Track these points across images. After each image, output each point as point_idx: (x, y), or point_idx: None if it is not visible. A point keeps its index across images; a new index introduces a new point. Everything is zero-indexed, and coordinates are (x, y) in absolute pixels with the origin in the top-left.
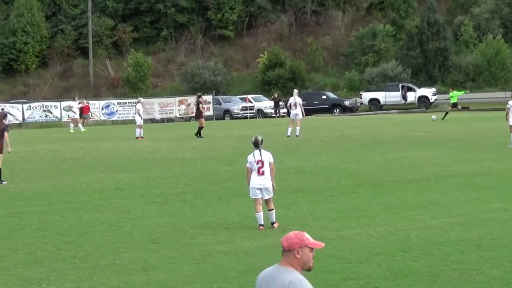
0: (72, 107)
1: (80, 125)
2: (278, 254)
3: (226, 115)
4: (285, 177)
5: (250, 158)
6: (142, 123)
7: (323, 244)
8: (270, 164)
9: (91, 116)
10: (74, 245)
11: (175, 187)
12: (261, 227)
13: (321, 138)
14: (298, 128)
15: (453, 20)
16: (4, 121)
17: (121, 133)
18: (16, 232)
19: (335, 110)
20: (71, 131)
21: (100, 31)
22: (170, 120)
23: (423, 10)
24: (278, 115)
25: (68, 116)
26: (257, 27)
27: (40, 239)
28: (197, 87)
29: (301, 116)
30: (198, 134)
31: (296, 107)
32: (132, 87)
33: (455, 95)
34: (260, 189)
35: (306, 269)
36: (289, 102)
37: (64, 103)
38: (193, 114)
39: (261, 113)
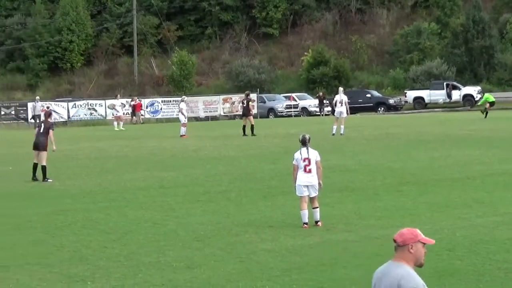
0: (115, 105)
1: (120, 123)
2: (323, 252)
3: (270, 113)
4: (330, 175)
5: (297, 155)
6: (185, 121)
7: (434, 241)
8: (316, 162)
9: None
10: (118, 243)
11: (219, 185)
12: (305, 225)
13: (366, 137)
14: (342, 126)
15: (498, 18)
16: (49, 119)
17: (165, 131)
18: (61, 230)
19: (379, 109)
20: (116, 129)
21: (145, 30)
22: (214, 118)
23: (468, 8)
24: (322, 113)
25: (112, 115)
26: (302, 25)
27: (85, 237)
28: (242, 85)
29: (345, 114)
30: (252, 132)
31: (341, 105)
32: (177, 85)
33: (489, 97)
34: (307, 186)
35: (418, 265)
36: (335, 100)
37: (109, 101)
38: (238, 112)
39: (305, 111)
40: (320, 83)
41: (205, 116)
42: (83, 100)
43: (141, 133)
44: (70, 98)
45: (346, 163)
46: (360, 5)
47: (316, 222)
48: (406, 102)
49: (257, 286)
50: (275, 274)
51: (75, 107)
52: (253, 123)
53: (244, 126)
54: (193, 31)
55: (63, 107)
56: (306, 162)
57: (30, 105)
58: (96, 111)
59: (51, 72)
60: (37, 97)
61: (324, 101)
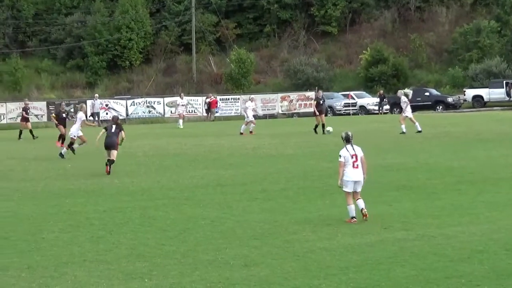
0: (178, 104)
1: (180, 120)
2: (380, 251)
3: (329, 112)
4: (388, 174)
5: (344, 153)
6: (250, 120)
7: None
8: (361, 158)
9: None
10: (176, 240)
11: (277, 183)
12: (354, 219)
13: (424, 135)
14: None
15: None
16: (118, 121)
17: (223, 129)
18: (119, 227)
19: (438, 107)
20: (181, 127)
21: (203, 28)
22: (272, 116)
23: None
24: (381, 111)
25: (171, 112)
26: (360, 24)
27: (143, 234)
28: (300, 84)
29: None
30: (323, 130)
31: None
32: (235, 83)
33: None
34: (354, 182)
35: None
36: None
37: (167, 99)
38: (296, 111)
39: (363, 109)
40: (379, 81)
41: (263, 114)
42: (142, 98)
43: (199, 131)
44: (129, 96)
45: (404, 161)
46: (419, 3)
47: (362, 209)
48: (465, 100)
49: (314, 284)
50: (332, 273)
51: (134, 105)
52: (323, 122)
53: (317, 125)
54: (251, 29)
55: (121, 105)
56: (354, 159)
57: (89, 102)
58: (154, 109)
59: (110, 70)
60: (96, 95)
61: (384, 100)
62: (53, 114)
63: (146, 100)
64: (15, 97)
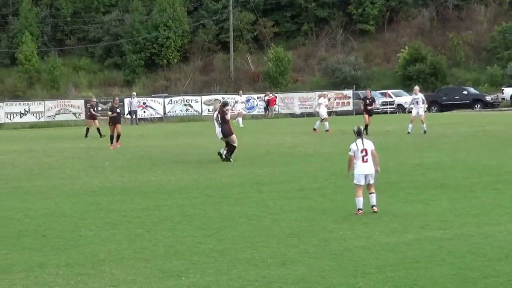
0: (237, 101)
1: (239, 119)
2: (418, 250)
3: None
4: (425, 173)
5: (353, 147)
6: (325, 116)
7: None
8: (372, 151)
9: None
10: (213, 238)
11: (315, 182)
12: (360, 211)
13: (462, 134)
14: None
15: None
16: (224, 109)
17: (261, 127)
18: (156, 225)
19: (476, 106)
20: (241, 125)
21: (241, 26)
22: (310, 114)
23: None
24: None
25: (209, 111)
26: (398, 22)
27: (180, 232)
28: (337, 82)
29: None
30: (366, 130)
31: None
32: (272, 82)
33: None
34: (365, 175)
35: None
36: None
37: (205, 97)
38: (334, 109)
39: (401, 108)
40: (416, 80)
41: (301, 113)
42: (179, 96)
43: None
44: (166, 94)
45: (442, 160)
46: (458, 1)
47: (372, 206)
48: (503, 99)
49: (350, 283)
50: (369, 271)
51: (171, 103)
52: (368, 123)
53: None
54: (289, 28)
55: (159, 103)
56: (364, 153)
57: (126, 101)
58: (191, 107)
59: (147, 68)
60: (134, 93)
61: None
62: (109, 112)
63: (184, 98)
64: (53, 95)
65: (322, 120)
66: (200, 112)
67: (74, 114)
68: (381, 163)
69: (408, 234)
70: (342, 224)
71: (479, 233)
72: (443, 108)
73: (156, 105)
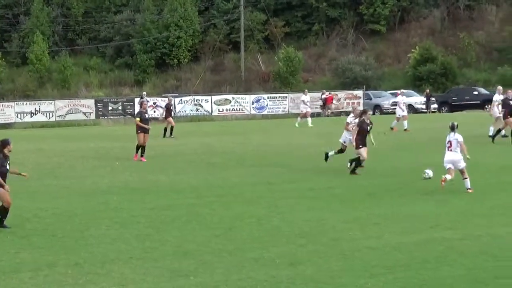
0: (304, 101)
1: (309, 119)
2: (427, 250)
3: (376, 110)
4: (437, 173)
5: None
6: (403, 115)
7: None
8: (460, 142)
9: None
10: (222, 238)
11: (324, 182)
12: (442, 182)
13: (475, 134)
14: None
15: None
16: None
17: (271, 127)
18: (166, 224)
19: (486, 106)
20: (310, 125)
21: (252, 26)
22: (320, 115)
23: None
24: (429, 110)
25: (219, 110)
26: (409, 22)
27: (190, 232)
28: (348, 82)
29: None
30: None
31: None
32: (283, 82)
33: None
34: (448, 162)
35: None
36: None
37: (215, 97)
38: (344, 109)
39: (411, 108)
40: (427, 80)
41: (311, 113)
42: (190, 96)
43: (246, 129)
44: (177, 94)
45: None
46: (469, 2)
47: (468, 189)
48: None
49: (360, 283)
50: (378, 272)
51: (181, 103)
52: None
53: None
54: (300, 28)
55: None
56: (449, 144)
57: (137, 100)
58: (202, 107)
59: (158, 68)
60: (144, 93)
61: (431, 99)
62: (137, 119)
63: (194, 98)
64: (64, 95)
65: (399, 118)
66: (210, 112)
67: (85, 113)
68: (390, 164)
69: (418, 235)
70: (351, 225)
71: (489, 234)
72: (453, 108)
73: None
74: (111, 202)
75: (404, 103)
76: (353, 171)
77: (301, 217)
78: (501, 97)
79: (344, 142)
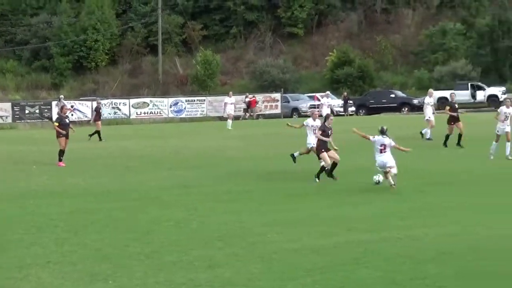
0: (226, 103)
1: (230, 121)
2: (345, 253)
3: (294, 113)
4: (353, 176)
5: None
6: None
7: None
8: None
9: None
10: (140, 242)
11: (243, 185)
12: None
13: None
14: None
15: None
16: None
17: (189, 130)
18: (84, 228)
19: (403, 109)
20: (229, 127)
21: (169, 29)
22: (238, 118)
23: (494, 8)
24: (346, 113)
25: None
26: (327, 25)
27: (108, 235)
28: (266, 85)
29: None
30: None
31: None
32: (201, 85)
33: None
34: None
35: None
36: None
37: (133, 101)
38: (261, 112)
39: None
40: (345, 83)
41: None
42: (107, 99)
43: (164, 132)
44: (94, 97)
45: (369, 163)
46: (385, 5)
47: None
48: None
49: (278, 286)
50: (297, 274)
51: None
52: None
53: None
54: (217, 31)
55: (87, 106)
56: (382, 147)
57: (54, 103)
58: (120, 110)
59: (75, 71)
60: (61, 96)
61: (349, 101)
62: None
63: (112, 102)
64: None
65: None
66: (128, 115)
67: (1, 117)
68: (307, 167)
69: (336, 237)
70: (270, 227)
71: (407, 235)
72: (370, 111)
73: (84, 108)
74: (28, 206)
75: (328, 104)
76: (317, 176)
77: (219, 220)
78: (432, 99)
79: (310, 145)
